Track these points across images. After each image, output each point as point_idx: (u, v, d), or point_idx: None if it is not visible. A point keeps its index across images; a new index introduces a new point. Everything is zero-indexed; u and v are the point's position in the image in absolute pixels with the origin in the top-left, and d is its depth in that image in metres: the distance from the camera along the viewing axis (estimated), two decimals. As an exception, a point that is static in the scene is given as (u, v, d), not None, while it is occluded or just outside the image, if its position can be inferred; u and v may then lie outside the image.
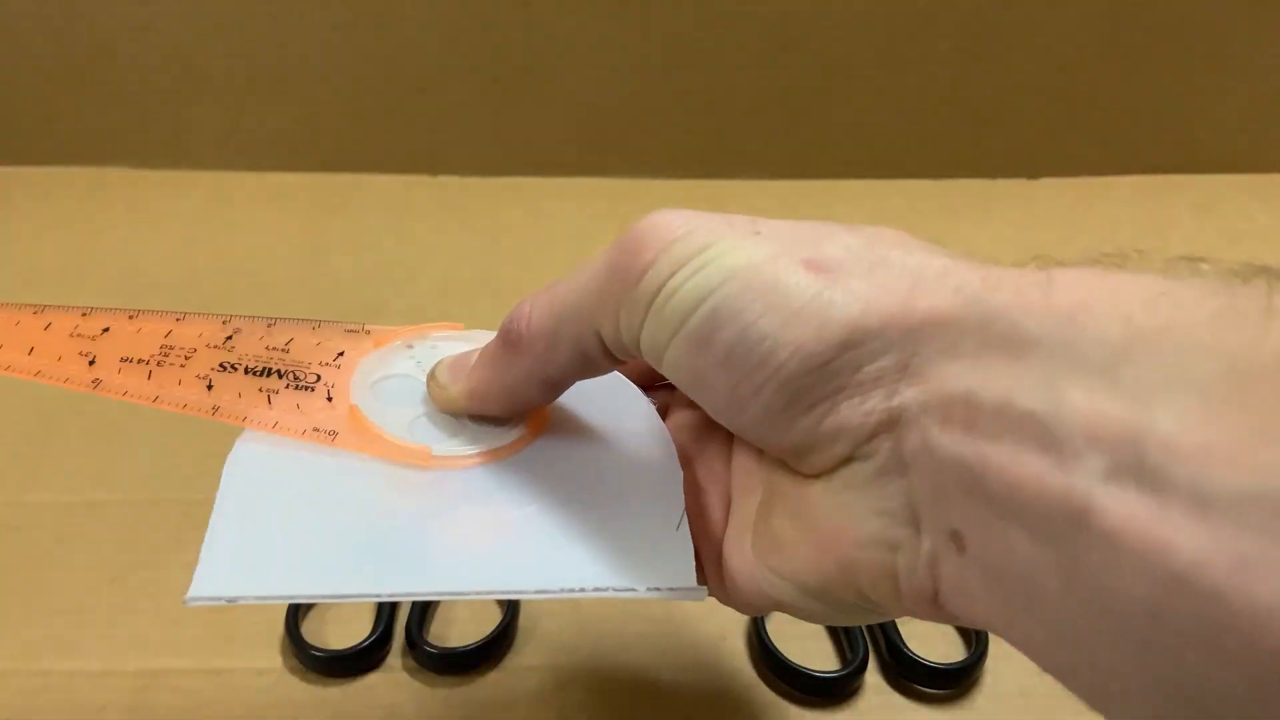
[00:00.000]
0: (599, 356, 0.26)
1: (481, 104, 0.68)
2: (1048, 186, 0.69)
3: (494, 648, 0.40)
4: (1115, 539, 0.17)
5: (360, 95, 0.68)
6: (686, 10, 0.65)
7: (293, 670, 0.39)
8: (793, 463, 0.24)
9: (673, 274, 0.23)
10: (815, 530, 0.24)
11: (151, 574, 0.43)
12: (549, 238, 0.64)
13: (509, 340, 0.27)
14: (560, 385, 0.28)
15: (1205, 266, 0.19)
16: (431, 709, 0.38)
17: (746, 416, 0.23)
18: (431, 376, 0.30)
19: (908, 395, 0.21)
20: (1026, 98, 0.68)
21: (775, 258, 0.23)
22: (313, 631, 0.40)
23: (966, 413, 0.20)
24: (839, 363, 0.22)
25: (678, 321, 0.23)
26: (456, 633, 0.40)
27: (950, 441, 0.20)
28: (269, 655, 0.40)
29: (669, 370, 0.24)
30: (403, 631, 0.40)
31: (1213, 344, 0.17)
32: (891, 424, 0.22)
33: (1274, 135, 0.70)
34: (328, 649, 0.39)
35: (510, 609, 0.40)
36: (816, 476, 0.24)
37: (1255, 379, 0.17)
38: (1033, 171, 0.70)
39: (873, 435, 0.22)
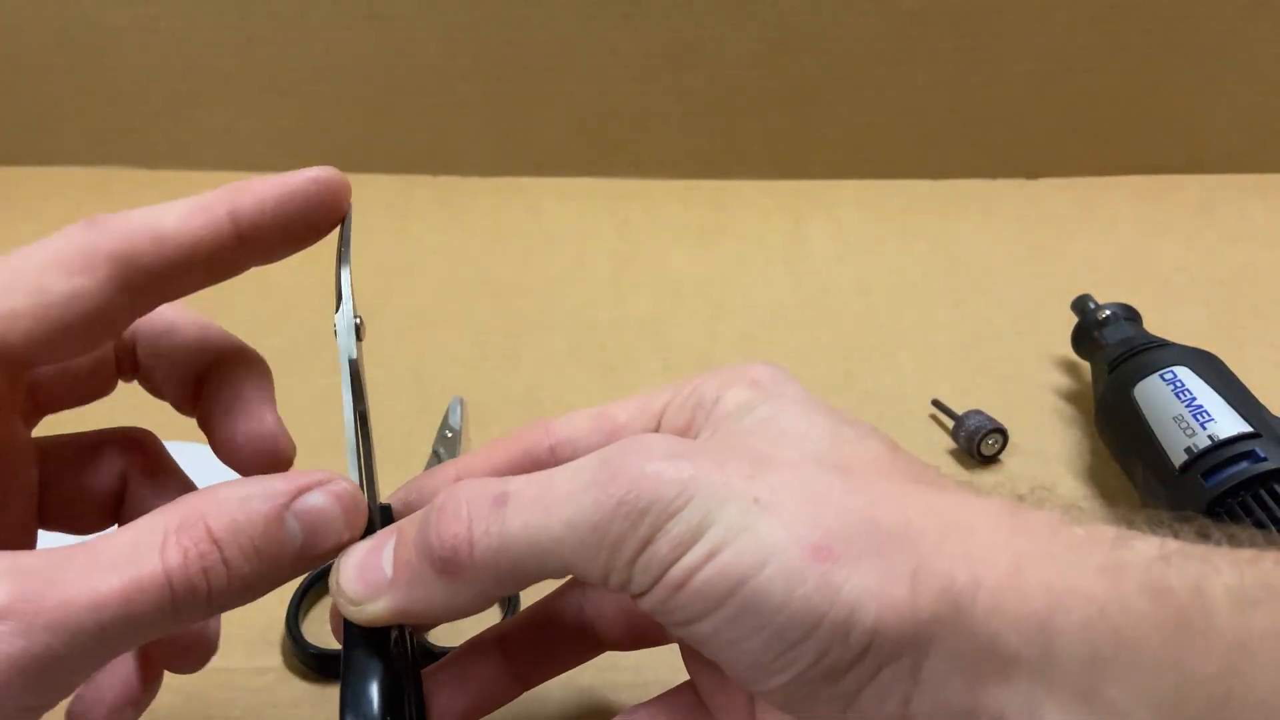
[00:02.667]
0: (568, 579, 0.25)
1: (481, 104, 0.68)
2: (1048, 186, 0.69)
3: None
4: None
5: (360, 95, 0.68)
6: (686, 10, 0.65)
7: (293, 669, 0.39)
8: None
9: (684, 552, 0.22)
10: None
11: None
12: (549, 238, 0.64)
13: (444, 567, 0.23)
14: (510, 593, 0.27)
15: (1137, 547, 0.22)
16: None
17: (771, 687, 0.23)
18: (338, 589, 0.25)
19: (919, 705, 0.22)
20: (1026, 98, 0.68)
21: (786, 547, 0.22)
22: (312, 631, 0.40)
23: None
24: (862, 665, 0.22)
25: (707, 605, 0.22)
26: (451, 631, 0.40)
27: None
28: (269, 654, 0.40)
29: (690, 637, 0.23)
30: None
31: (1169, 660, 0.20)
32: None
33: (1274, 135, 0.70)
34: (328, 648, 0.39)
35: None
36: None
37: (1203, 703, 0.20)
38: (1033, 171, 0.70)
39: None
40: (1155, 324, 0.51)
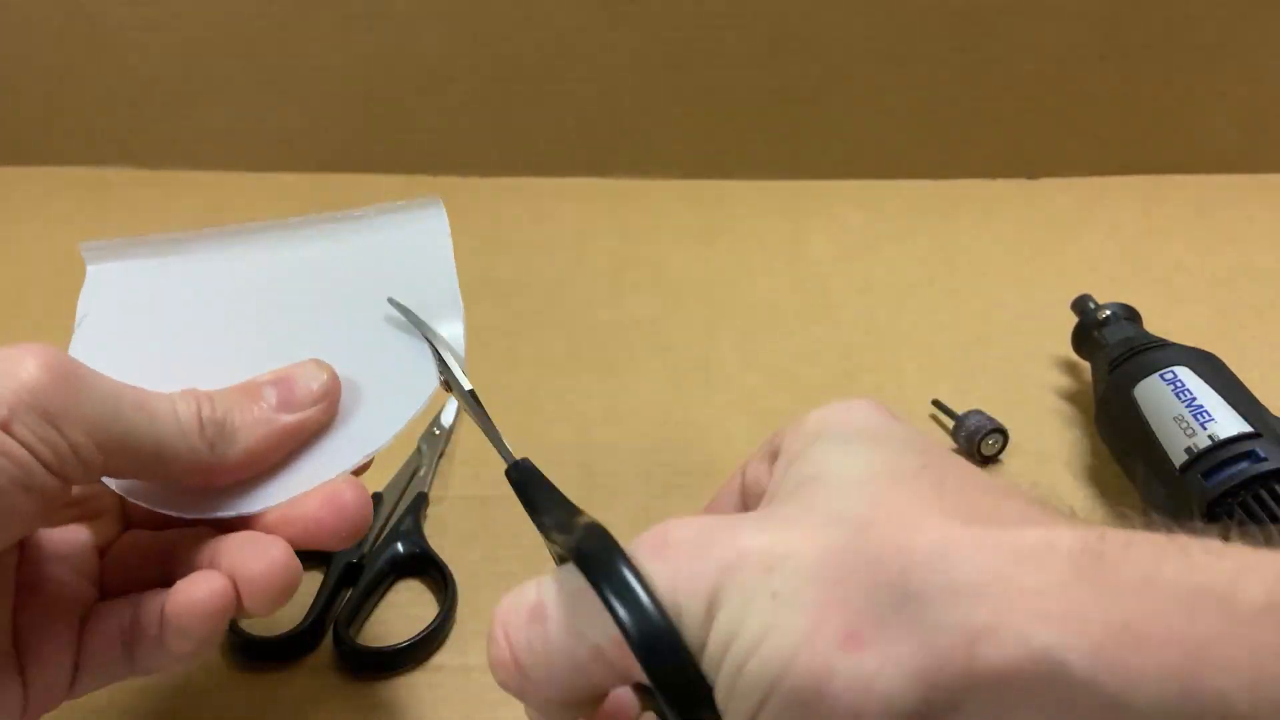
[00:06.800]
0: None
1: (481, 104, 0.68)
2: (1048, 186, 0.69)
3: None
4: None
5: (360, 95, 0.68)
6: (686, 10, 0.65)
7: (294, 671, 0.39)
8: None
9: (726, 649, 0.22)
10: None
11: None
12: (549, 238, 0.64)
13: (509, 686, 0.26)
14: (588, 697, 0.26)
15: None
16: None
17: None
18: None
19: None
20: (1026, 98, 0.68)
21: (810, 639, 0.21)
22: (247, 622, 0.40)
23: None
24: None
25: (756, 702, 0.21)
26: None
27: None
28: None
29: None
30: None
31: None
32: None
33: (1274, 135, 0.70)
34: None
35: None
36: None
37: None
38: (1033, 171, 0.70)
39: None
40: (1155, 324, 0.51)
